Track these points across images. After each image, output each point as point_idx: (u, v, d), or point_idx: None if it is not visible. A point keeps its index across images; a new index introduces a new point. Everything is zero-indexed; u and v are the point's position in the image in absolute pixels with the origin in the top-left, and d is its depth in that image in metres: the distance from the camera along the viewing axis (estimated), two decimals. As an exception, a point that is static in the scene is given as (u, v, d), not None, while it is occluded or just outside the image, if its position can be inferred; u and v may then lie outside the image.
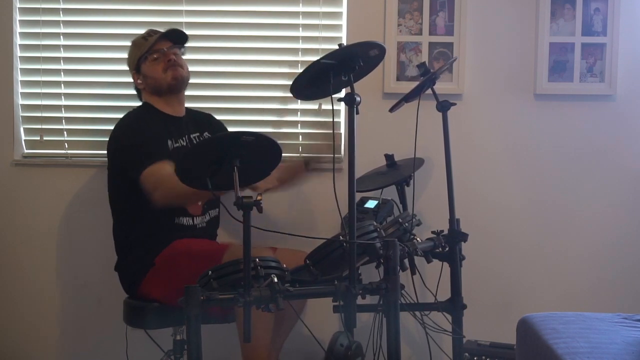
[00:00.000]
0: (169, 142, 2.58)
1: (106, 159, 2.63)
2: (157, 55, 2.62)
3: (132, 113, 2.66)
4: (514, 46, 2.94)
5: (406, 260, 2.22)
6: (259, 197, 1.85)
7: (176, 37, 2.68)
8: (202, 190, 2.04)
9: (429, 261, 2.38)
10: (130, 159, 2.46)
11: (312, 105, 2.95)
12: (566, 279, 2.99)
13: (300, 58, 2.96)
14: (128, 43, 2.70)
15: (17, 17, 2.97)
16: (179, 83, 2.64)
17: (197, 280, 1.96)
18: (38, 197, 2.97)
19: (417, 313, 2.52)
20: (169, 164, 2.32)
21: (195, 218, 2.61)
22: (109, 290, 2.62)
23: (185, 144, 2.63)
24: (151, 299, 2.46)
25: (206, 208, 2.68)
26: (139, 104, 2.72)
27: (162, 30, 2.67)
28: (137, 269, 2.48)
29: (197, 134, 2.71)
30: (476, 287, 2.82)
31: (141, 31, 2.86)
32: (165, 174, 2.28)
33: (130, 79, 2.68)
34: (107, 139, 2.62)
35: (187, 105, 2.77)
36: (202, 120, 2.81)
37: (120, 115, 2.65)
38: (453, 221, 2.48)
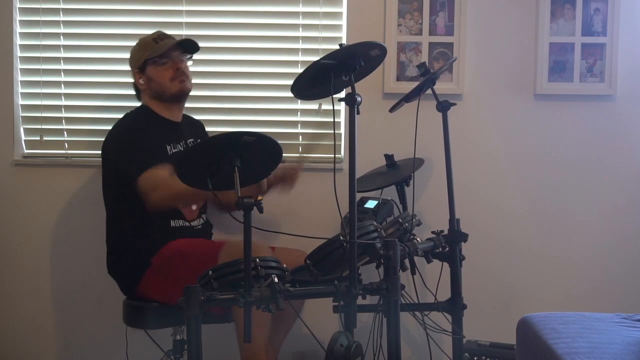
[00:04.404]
0: (168, 147, 2.58)
1: (105, 159, 2.62)
2: (167, 61, 2.60)
3: (131, 116, 2.64)
4: (514, 46, 2.94)
5: (406, 261, 2.22)
6: (259, 198, 1.85)
7: (188, 47, 2.66)
8: (201, 190, 2.05)
9: (429, 261, 2.39)
10: (129, 161, 2.44)
11: (312, 105, 2.95)
12: (566, 279, 2.99)
13: (300, 58, 2.95)
14: (128, 43, 2.68)
15: (17, 17, 2.96)
16: (183, 95, 2.65)
17: (194, 279, 1.96)
18: (38, 197, 2.97)
19: (417, 313, 2.52)
20: (168, 168, 2.31)
21: (190, 222, 2.61)
22: (109, 290, 2.62)
23: (183, 149, 2.63)
24: (150, 300, 2.46)
25: (201, 212, 2.68)
26: (138, 104, 2.71)
27: (168, 31, 2.65)
28: (134, 270, 2.47)
29: (193, 139, 2.71)
30: (476, 287, 2.82)
31: (140, 31, 2.85)
32: (164, 176, 2.29)
33: (130, 79, 2.66)
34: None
35: (186, 105, 2.76)
36: (197, 125, 2.83)
37: (120, 116, 2.64)
38: (453, 221, 2.49)
